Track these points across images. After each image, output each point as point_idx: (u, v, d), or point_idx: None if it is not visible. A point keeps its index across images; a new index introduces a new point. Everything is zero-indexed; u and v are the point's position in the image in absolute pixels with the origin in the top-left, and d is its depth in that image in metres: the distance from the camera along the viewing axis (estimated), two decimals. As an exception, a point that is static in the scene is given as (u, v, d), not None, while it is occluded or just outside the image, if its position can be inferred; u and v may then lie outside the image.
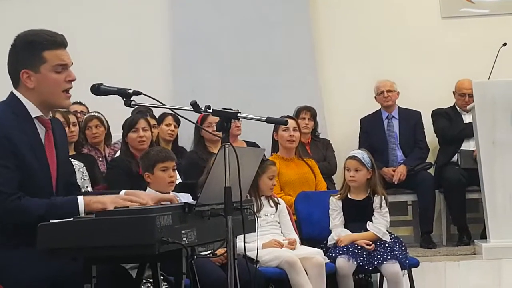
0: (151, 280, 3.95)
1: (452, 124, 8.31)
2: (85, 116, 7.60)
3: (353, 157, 5.99)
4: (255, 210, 5.58)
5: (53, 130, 3.77)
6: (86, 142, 7.44)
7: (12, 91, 3.72)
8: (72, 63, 3.73)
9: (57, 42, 3.69)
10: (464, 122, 8.25)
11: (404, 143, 8.38)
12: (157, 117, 7.51)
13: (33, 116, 3.67)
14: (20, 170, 3.52)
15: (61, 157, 3.80)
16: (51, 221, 3.21)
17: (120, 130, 6.51)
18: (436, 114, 8.49)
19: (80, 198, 3.51)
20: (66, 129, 6.44)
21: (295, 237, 5.88)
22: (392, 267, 5.65)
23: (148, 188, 5.23)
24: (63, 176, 3.76)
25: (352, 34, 9.29)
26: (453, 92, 8.47)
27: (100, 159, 7.36)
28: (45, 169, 3.65)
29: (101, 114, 7.51)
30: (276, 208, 5.93)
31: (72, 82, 3.73)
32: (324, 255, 5.72)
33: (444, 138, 8.38)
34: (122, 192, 3.74)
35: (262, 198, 5.91)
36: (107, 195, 3.67)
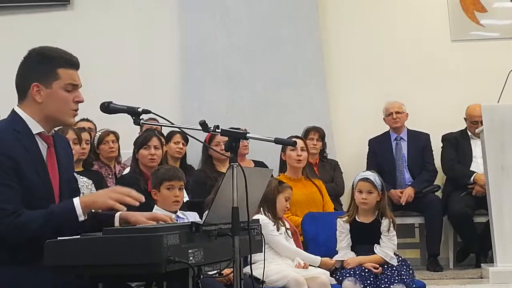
0: (157, 299, 3.94)
1: (459, 156, 8.31)
2: (100, 132, 7.62)
3: (365, 179, 5.92)
4: (276, 229, 5.62)
5: (55, 146, 3.76)
6: (97, 159, 7.44)
7: (13, 109, 3.71)
8: (81, 85, 3.75)
9: (73, 62, 3.72)
10: (473, 149, 8.26)
11: (412, 165, 8.37)
12: (165, 134, 7.50)
13: (34, 133, 3.65)
14: (22, 187, 3.50)
15: (64, 174, 3.77)
16: (58, 238, 3.20)
17: (127, 148, 6.49)
18: (445, 141, 8.49)
19: (76, 201, 3.49)
20: (77, 146, 6.47)
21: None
22: (399, 290, 5.64)
23: (155, 206, 5.23)
24: (66, 193, 3.73)
25: (362, 55, 9.30)
26: (465, 118, 8.44)
27: (110, 176, 7.36)
28: (47, 186, 3.63)
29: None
30: (285, 230, 5.91)
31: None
32: (331, 276, 5.70)
33: (449, 172, 8.40)
34: (117, 214, 3.71)
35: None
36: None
